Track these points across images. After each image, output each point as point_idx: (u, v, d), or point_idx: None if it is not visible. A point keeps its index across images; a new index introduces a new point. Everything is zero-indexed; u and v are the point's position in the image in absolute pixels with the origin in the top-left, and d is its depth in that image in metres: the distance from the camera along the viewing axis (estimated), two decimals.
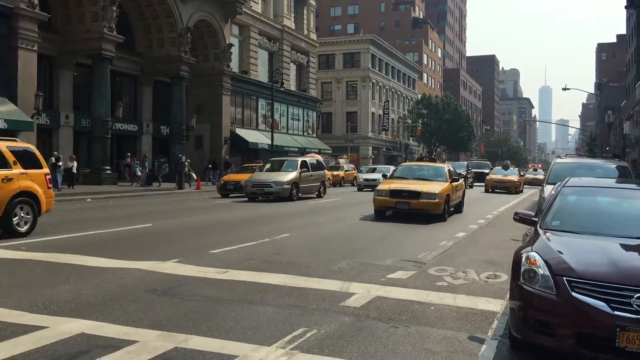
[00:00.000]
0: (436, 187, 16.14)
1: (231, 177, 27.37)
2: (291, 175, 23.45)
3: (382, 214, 16.37)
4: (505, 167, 37.44)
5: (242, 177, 25.48)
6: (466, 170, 35.17)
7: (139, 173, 31.62)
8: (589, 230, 5.64)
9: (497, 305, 6.71)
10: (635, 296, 4.22)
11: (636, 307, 4.18)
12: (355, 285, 7.56)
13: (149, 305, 6.39)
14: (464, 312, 6.41)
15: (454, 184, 17.61)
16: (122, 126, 33.89)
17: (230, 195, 25.96)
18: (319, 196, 25.94)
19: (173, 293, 6.97)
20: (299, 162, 24.68)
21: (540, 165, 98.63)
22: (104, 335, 5.28)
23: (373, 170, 37.49)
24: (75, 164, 27.29)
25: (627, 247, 5.22)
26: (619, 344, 4.13)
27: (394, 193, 15.99)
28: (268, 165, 25.45)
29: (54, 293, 6.82)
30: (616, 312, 4.20)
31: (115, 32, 29.10)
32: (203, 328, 5.58)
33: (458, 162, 43.97)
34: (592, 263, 4.70)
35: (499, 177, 34.27)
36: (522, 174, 36.98)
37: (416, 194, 15.72)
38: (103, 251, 9.81)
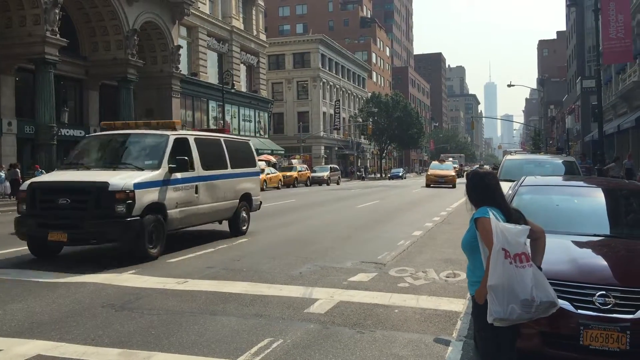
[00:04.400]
0: None
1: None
2: None
3: None
4: None
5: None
6: None
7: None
8: (546, 229, 5.74)
9: (459, 305, 6.79)
10: (597, 294, 4.30)
11: (598, 305, 4.26)
12: (318, 290, 7.52)
13: (107, 321, 6.18)
14: (428, 314, 6.46)
15: None
16: (68, 132, 32.81)
17: None
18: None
19: (132, 307, 6.77)
20: None
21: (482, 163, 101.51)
22: (62, 356, 5.08)
23: None
24: (18, 172, 26.31)
25: (583, 245, 5.34)
26: (583, 341, 4.21)
27: None
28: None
29: (5, 312, 6.53)
30: (579, 311, 4.27)
31: (58, 35, 28.14)
32: (166, 343, 5.43)
33: None
34: (553, 262, 4.68)
35: None
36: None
37: None
38: (52, 264, 9.46)
